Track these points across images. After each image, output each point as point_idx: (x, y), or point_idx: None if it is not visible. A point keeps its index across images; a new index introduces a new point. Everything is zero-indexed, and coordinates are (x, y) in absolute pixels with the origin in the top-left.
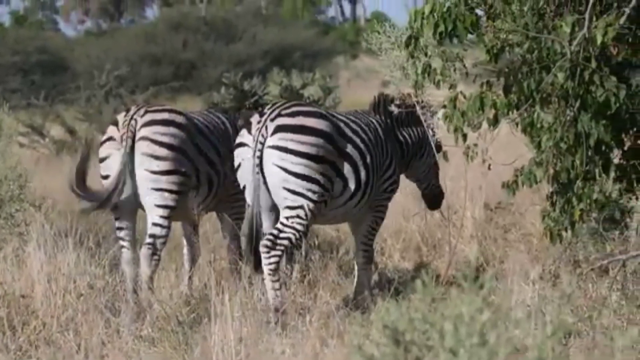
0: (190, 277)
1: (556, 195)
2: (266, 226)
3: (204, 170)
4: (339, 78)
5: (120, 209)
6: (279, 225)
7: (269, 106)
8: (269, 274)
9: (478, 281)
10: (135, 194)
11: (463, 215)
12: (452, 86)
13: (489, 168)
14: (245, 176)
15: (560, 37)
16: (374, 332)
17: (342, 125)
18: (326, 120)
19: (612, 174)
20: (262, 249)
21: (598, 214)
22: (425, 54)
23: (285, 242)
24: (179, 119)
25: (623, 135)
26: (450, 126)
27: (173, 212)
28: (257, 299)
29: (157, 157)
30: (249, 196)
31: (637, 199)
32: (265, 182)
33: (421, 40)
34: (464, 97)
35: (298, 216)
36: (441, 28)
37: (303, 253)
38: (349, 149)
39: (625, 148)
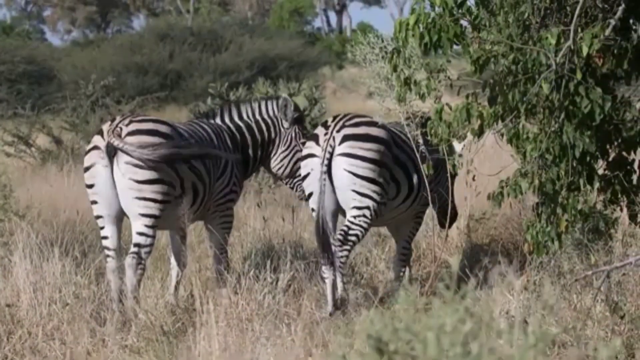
0: (176, 287)
1: (541, 207)
2: (330, 227)
3: (189, 179)
4: (325, 88)
5: (105, 218)
6: (347, 223)
7: (330, 119)
8: (340, 266)
9: (461, 291)
10: (120, 203)
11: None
12: (437, 98)
13: (474, 179)
14: (313, 184)
15: (545, 49)
16: (358, 342)
17: (394, 135)
18: (384, 130)
19: (597, 185)
20: (335, 243)
21: (582, 225)
22: (409, 67)
23: (354, 237)
24: (164, 128)
25: (608, 146)
26: (435, 137)
27: (158, 222)
28: (242, 308)
29: (141, 167)
30: (314, 203)
31: (621, 209)
32: (332, 187)
33: (405, 52)
34: (450, 108)
35: (364, 215)
36: (426, 39)
37: (289, 262)
38: (402, 156)
39: (610, 159)
